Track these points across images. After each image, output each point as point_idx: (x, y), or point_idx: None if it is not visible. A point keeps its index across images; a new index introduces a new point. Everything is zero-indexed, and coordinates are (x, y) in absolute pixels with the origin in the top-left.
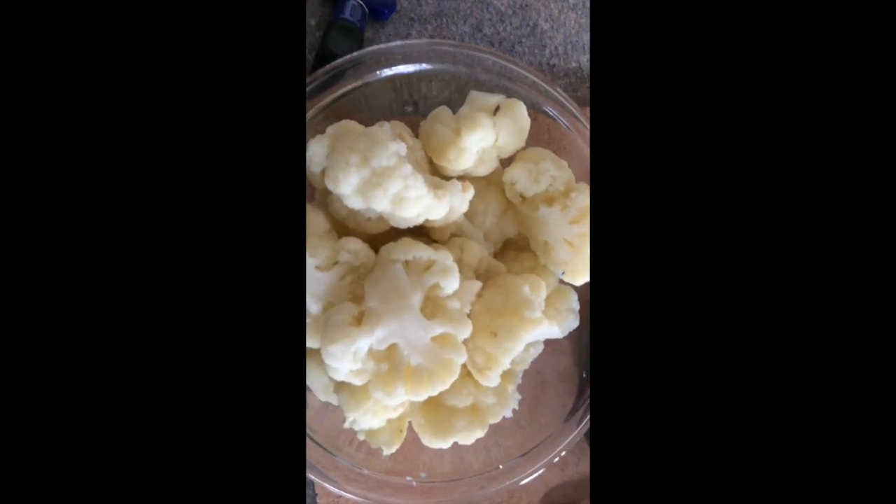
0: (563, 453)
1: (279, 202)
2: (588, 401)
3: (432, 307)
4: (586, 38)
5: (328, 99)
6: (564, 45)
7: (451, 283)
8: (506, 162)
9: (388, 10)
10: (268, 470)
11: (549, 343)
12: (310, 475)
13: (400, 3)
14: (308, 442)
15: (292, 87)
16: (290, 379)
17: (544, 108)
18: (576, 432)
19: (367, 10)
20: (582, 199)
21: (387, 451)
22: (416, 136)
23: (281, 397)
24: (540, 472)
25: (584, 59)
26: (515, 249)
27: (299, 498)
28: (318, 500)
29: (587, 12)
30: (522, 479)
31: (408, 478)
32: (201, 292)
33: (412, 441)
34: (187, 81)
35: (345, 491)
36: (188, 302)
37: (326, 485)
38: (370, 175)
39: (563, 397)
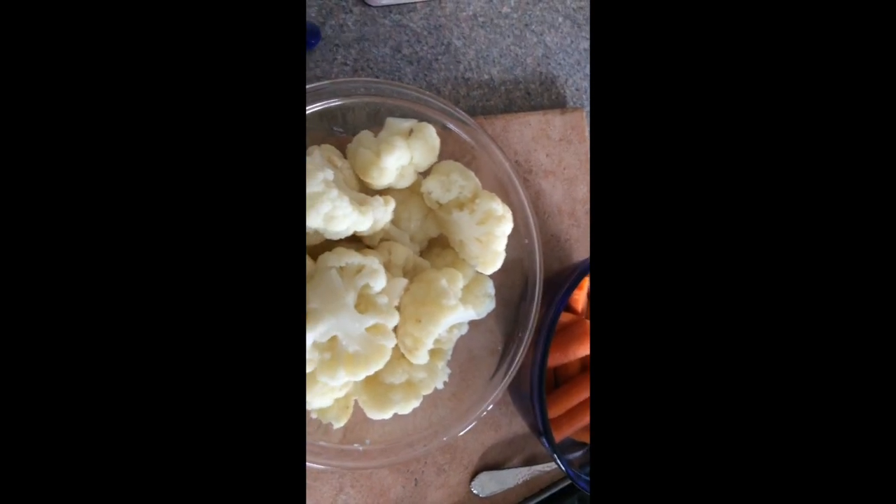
0: (490, 407)
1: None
2: (508, 364)
3: (365, 303)
4: (495, 51)
5: None
6: (476, 60)
7: (378, 282)
8: (425, 173)
9: (314, 40)
10: (269, 463)
11: (474, 322)
12: None
13: (324, 31)
14: None
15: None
16: (291, 379)
17: (450, 127)
18: (498, 390)
19: None
20: (485, 204)
21: (337, 425)
22: (345, 155)
23: (281, 397)
24: (471, 425)
25: (495, 70)
26: (439, 246)
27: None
28: None
29: (496, 28)
30: (459, 433)
31: (355, 445)
32: (214, 304)
33: (364, 417)
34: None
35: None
36: (191, 312)
37: None
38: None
39: (488, 366)
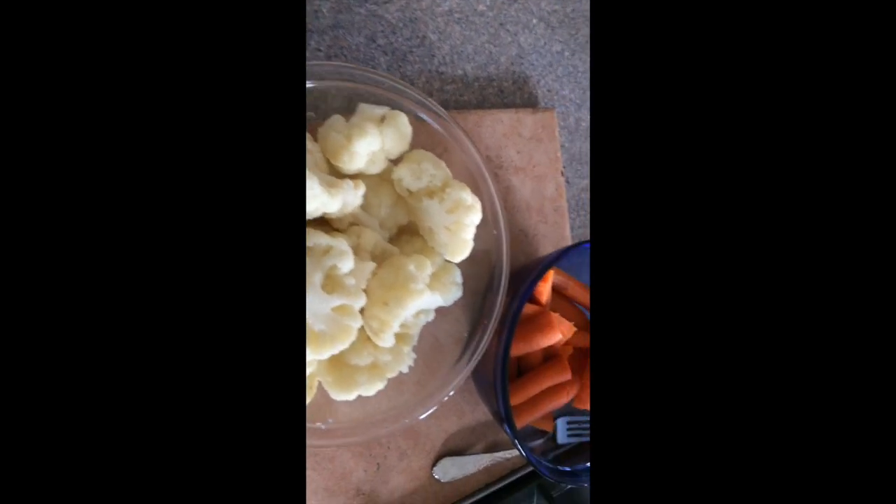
0: (452, 393)
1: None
2: (472, 351)
3: (332, 284)
4: (470, 48)
5: None
6: (451, 55)
7: (346, 264)
8: (397, 161)
9: None
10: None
11: (441, 311)
12: None
13: None
14: None
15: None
16: (290, 368)
17: (424, 118)
18: (461, 375)
19: None
20: (455, 193)
21: None
22: (316, 139)
23: (280, 386)
24: (434, 408)
25: (469, 66)
26: (409, 234)
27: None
28: None
29: (471, 25)
30: (421, 415)
31: (317, 423)
32: (208, 294)
33: (327, 399)
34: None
35: None
36: (190, 304)
37: None
38: None
39: (453, 354)
